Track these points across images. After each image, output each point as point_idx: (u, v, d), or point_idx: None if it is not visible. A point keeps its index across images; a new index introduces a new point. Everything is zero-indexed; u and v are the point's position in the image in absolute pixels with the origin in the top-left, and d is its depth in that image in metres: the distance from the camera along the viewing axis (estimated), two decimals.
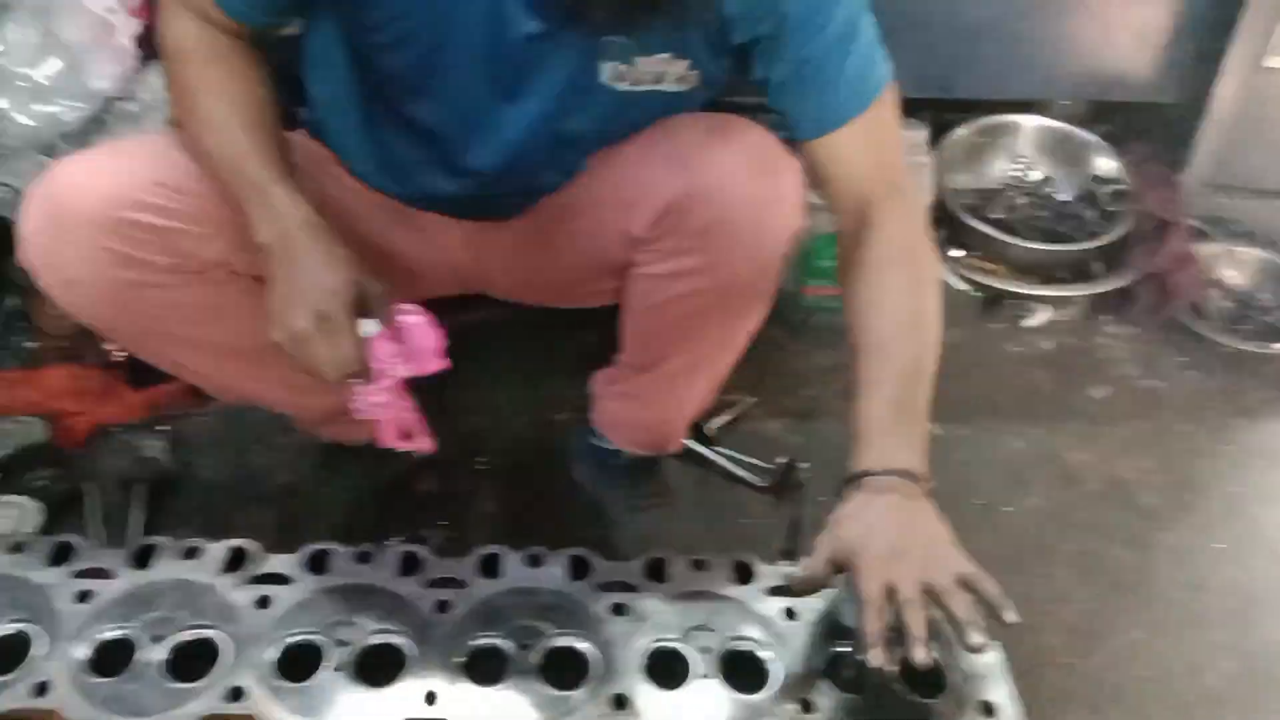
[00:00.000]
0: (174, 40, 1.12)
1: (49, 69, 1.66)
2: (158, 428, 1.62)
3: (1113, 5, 1.98)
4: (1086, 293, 1.98)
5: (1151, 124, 2.14)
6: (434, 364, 1.09)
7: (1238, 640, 1.46)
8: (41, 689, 1.02)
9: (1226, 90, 2.00)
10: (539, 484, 1.60)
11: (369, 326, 1.06)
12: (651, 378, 1.35)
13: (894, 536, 1.01)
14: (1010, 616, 1.00)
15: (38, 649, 1.06)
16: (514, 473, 1.62)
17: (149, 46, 1.82)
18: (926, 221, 1.20)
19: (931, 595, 0.97)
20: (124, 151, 1.15)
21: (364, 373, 1.06)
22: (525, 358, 1.81)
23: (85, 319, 1.16)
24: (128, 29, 1.79)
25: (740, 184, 1.12)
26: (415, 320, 1.08)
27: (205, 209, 1.11)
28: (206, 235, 1.12)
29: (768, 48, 1.09)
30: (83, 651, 1.06)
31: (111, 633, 1.08)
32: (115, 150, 1.17)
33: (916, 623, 0.95)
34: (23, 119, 1.63)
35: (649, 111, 1.17)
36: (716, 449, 1.66)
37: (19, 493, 1.48)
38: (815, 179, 1.16)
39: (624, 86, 1.11)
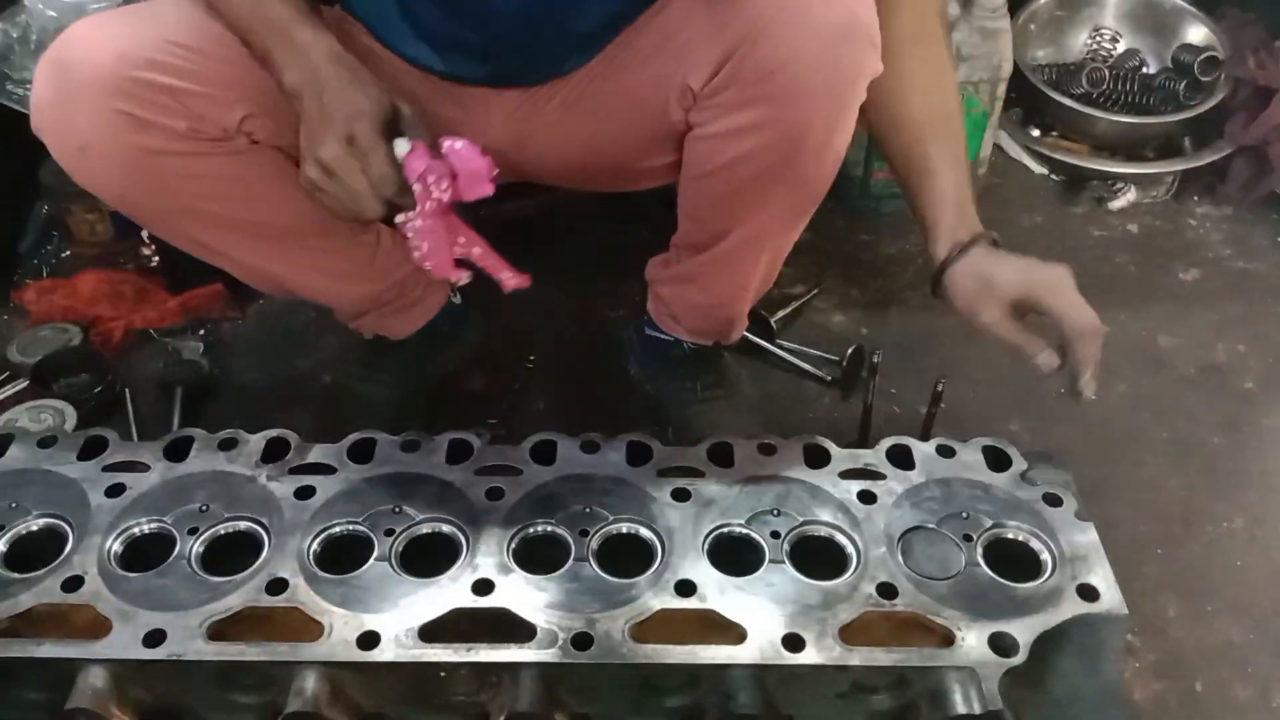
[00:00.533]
0: None
1: None
2: (196, 332, 1.57)
3: None
4: (1175, 169, 1.83)
5: None
6: (482, 188, 0.98)
7: None
8: (74, 583, 0.97)
9: None
10: (593, 379, 1.52)
11: (402, 146, 0.96)
12: (711, 256, 1.24)
13: (1048, 276, 1.08)
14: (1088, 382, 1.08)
15: (70, 543, 1.01)
16: (566, 369, 1.54)
17: None
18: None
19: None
20: (136, 12, 1.07)
21: (404, 194, 0.96)
22: (575, 253, 1.72)
23: (99, 190, 1.09)
24: None
25: (807, 19, 1.00)
26: (459, 144, 0.97)
27: (223, 71, 1.03)
28: (225, 99, 1.04)
29: None
30: (116, 545, 1.01)
31: (145, 526, 1.03)
32: (127, 12, 1.09)
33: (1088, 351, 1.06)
34: (47, 11, 1.57)
35: None
36: (779, 342, 1.57)
37: (56, 398, 1.44)
38: None
39: None
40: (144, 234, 1.71)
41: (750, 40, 1.01)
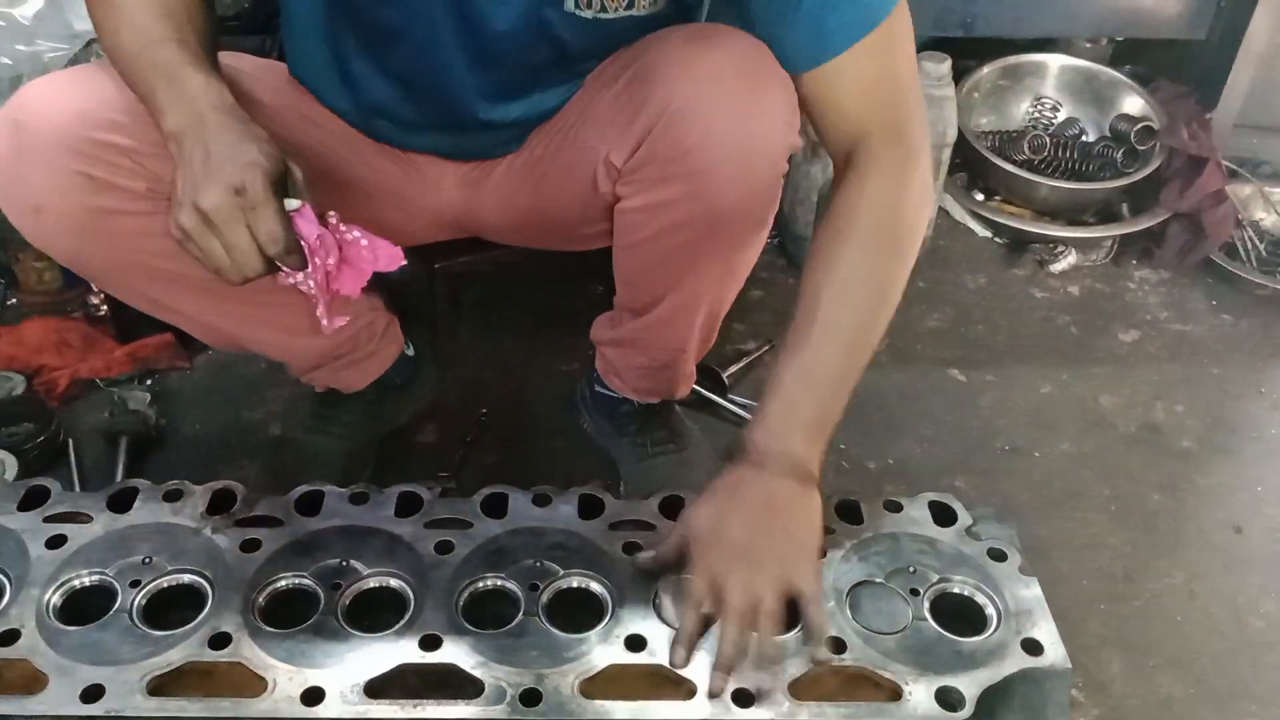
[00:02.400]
0: None
1: (30, 8, 1.60)
2: (144, 382, 1.55)
3: None
4: (1114, 234, 1.89)
5: (1180, 61, 2.05)
6: (383, 265, 0.96)
7: None
8: (10, 637, 0.95)
9: (1261, 25, 1.91)
10: (545, 433, 1.53)
11: (292, 205, 0.92)
12: (647, 321, 1.26)
13: (747, 536, 0.96)
14: (821, 654, 0.95)
15: (7, 596, 0.99)
16: (519, 423, 1.55)
17: None
18: (924, 174, 1.05)
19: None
20: (91, 72, 1.07)
21: (291, 254, 0.92)
22: (528, 306, 1.74)
23: (52, 249, 1.08)
24: None
25: (722, 96, 1.01)
26: (358, 234, 0.96)
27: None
28: None
29: None
30: (55, 598, 0.99)
31: (86, 579, 1.01)
32: (83, 72, 1.09)
33: (726, 642, 0.93)
34: (2, 59, 1.56)
35: (624, 38, 1.09)
36: (731, 396, 1.58)
37: None
38: (808, 115, 1.05)
39: (589, 13, 1.04)
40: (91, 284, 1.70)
41: (667, 117, 1.02)
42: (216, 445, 1.47)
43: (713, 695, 0.93)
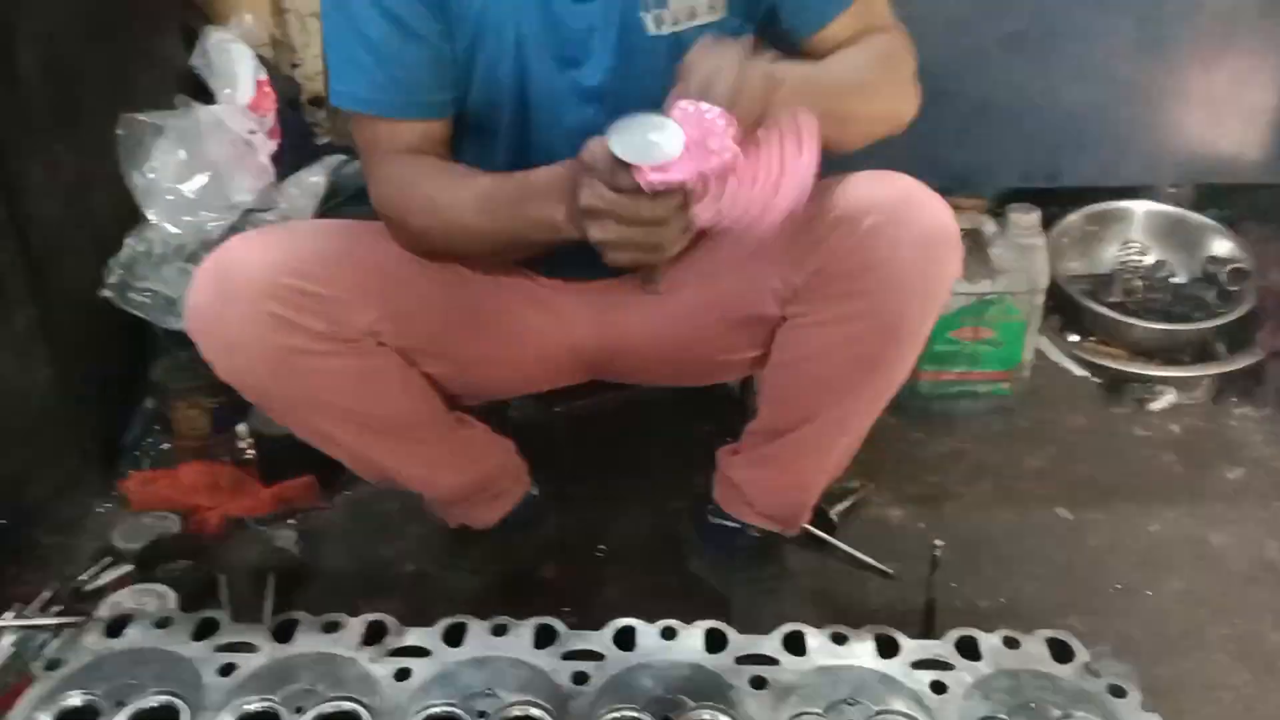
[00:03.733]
0: (386, 185, 1.20)
1: (195, 184, 1.78)
2: (287, 520, 1.66)
3: (1216, 88, 1.99)
4: (1211, 373, 1.92)
5: (1266, 204, 2.11)
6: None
7: None
8: None
9: None
10: (659, 568, 1.58)
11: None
12: (794, 439, 1.32)
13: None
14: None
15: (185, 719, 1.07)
16: (634, 558, 1.61)
17: (283, 163, 1.95)
18: (904, 47, 1.22)
19: None
20: (284, 229, 1.24)
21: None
22: (638, 447, 1.82)
23: (242, 384, 1.21)
24: (266, 148, 1.93)
25: (903, 225, 1.12)
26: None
27: (359, 280, 1.17)
28: (359, 304, 1.17)
29: None
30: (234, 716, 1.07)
31: (255, 704, 1.09)
32: (273, 230, 1.26)
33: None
34: (171, 229, 1.75)
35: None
36: (838, 539, 1.63)
37: (157, 582, 1.52)
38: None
39: (667, 29, 1.16)
40: (239, 428, 1.84)
41: (852, 240, 1.13)
42: (356, 580, 1.56)
43: None
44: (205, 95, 2.01)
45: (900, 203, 1.15)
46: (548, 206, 1.08)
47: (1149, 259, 2.10)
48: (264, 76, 2.04)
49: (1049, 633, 1.18)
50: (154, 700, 1.10)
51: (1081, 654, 1.16)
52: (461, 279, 1.29)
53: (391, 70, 1.16)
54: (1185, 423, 1.91)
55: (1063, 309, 2.04)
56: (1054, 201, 2.11)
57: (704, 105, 0.95)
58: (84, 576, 1.56)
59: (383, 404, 1.25)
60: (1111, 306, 1.98)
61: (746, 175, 0.98)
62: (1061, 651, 1.16)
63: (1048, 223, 2.06)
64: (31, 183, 1.51)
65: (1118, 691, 1.11)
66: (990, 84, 1.95)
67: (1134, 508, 1.72)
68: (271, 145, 1.94)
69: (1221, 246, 2.04)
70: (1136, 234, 2.11)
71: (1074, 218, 2.09)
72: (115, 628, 1.19)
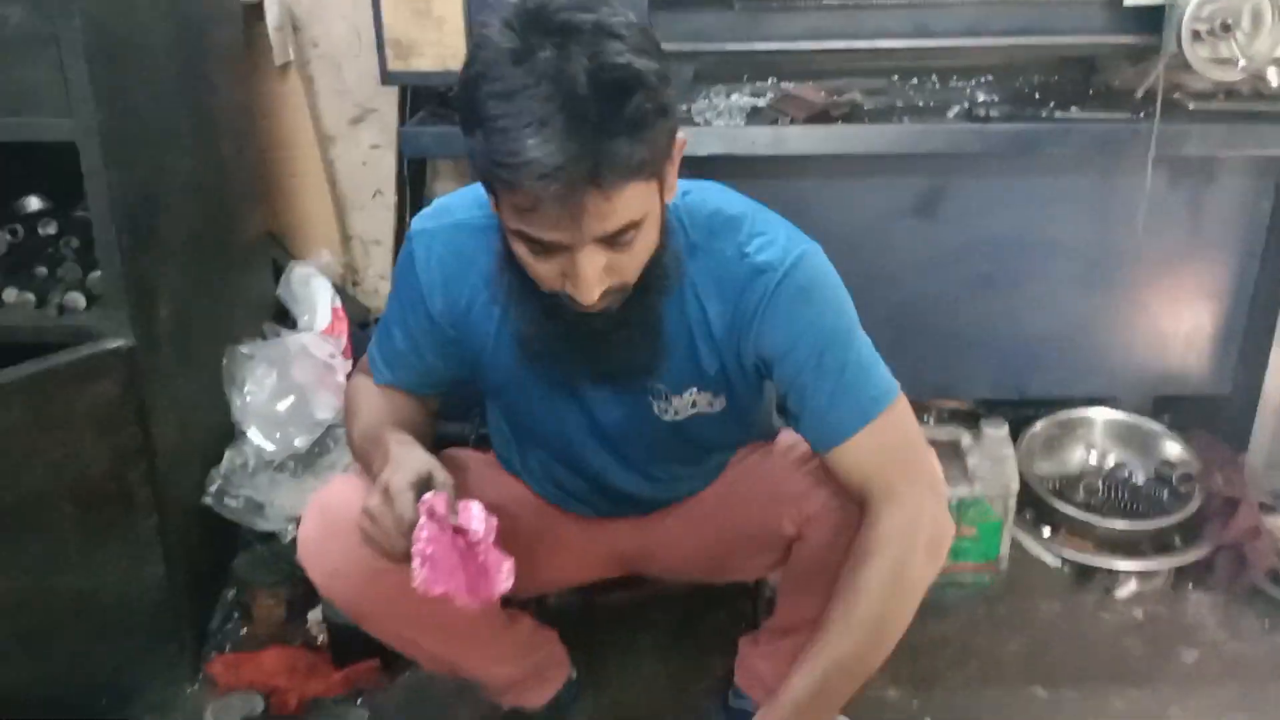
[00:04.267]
0: (351, 388, 1.53)
1: (284, 404, 2.09)
2: (357, 700, 1.90)
3: (1164, 311, 2.30)
4: (1169, 564, 2.17)
5: (1211, 413, 2.40)
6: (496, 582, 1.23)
7: None
8: None
9: (1275, 382, 2.27)
10: None
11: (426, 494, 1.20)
12: (804, 638, 1.55)
13: None
14: None
15: None
16: None
17: None
18: (934, 515, 1.30)
19: None
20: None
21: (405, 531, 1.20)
22: (662, 635, 2.06)
23: (338, 600, 1.47)
24: (343, 368, 2.24)
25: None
26: (475, 509, 1.22)
27: None
28: None
29: (774, 370, 1.32)
30: None
31: None
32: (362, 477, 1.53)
33: None
34: (265, 444, 2.04)
35: (703, 429, 1.45)
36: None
37: None
38: (839, 481, 1.33)
39: (670, 417, 1.42)
40: (311, 616, 2.09)
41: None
42: None
43: None
44: (287, 319, 2.35)
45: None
46: (379, 462, 1.30)
47: (1110, 461, 2.38)
48: (338, 304, 2.38)
49: None
50: None
51: None
52: (509, 494, 1.58)
53: (393, 359, 1.46)
54: (1147, 608, 2.15)
55: (1035, 505, 2.30)
56: (1026, 407, 2.42)
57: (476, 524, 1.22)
58: None
59: (450, 614, 1.49)
60: (1078, 505, 2.25)
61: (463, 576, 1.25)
62: None
63: (1020, 427, 2.37)
64: (158, 413, 1.80)
65: None
66: (965, 315, 2.28)
67: (1101, 686, 1.94)
68: (346, 365, 2.26)
69: (1172, 450, 2.33)
70: (1098, 439, 2.40)
71: (1041, 425, 2.38)
72: None
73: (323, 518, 1.43)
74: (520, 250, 1.17)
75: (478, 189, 1.29)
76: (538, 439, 1.53)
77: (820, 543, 1.45)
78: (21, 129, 1.60)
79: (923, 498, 1.29)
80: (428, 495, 1.21)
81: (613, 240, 1.13)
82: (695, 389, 1.40)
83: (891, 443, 1.30)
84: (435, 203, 1.43)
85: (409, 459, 1.27)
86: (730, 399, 1.43)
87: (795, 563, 1.52)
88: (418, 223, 1.40)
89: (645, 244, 1.19)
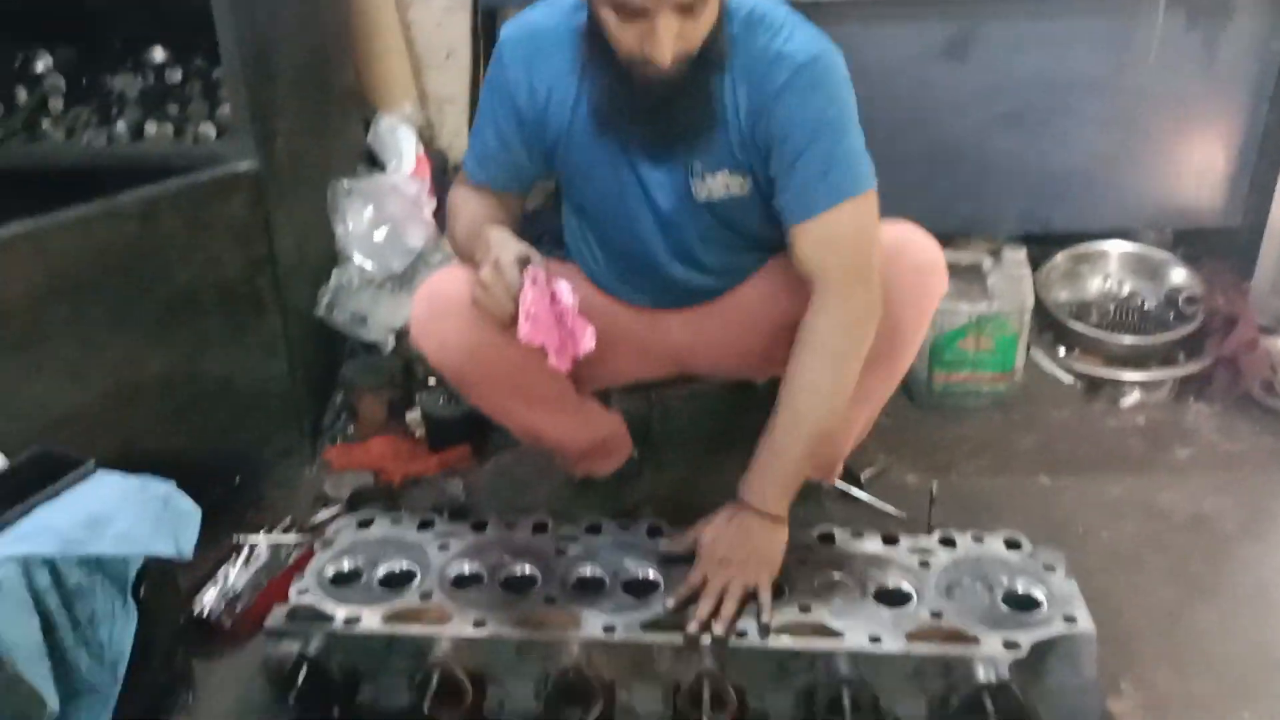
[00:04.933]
0: (450, 199, 1.77)
1: (381, 233, 2.38)
2: (453, 477, 2.22)
3: (1179, 148, 2.48)
4: (1171, 375, 2.40)
5: (1221, 244, 2.60)
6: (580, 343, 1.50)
7: None
8: (427, 596, 1.58)
9: (1279, 214, 2.46)
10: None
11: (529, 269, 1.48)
12: None
13: (730, 549, 1.59)
14: (765, 618, 1.53)
15: (419, 577, 1.63)
16: (710, 504, 2.12)
17: (441, 219, 2.54)
18: (869, 302, 1.57)
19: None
20: (466, 268, 1.79)
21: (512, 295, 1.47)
22: (713, 427, 2.35)
23: (446, 367, 1.75)
24: (428, 205, 2.53)
25: (903, 259, 1.63)
26: (564, 286, 1.49)
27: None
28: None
29: (773, 152, 1.56)
30: (451, 574, 1.63)
31: (465, 568, 1.65)
32: (462, 268, 1.80)
33: (702, 608, 1.53)
34: (366, 266, 2.34)
35: (733, 212, 1.66)
36: (866, 493, 2.14)
37: None
38: (793, 256, 1.59)
39: (705, 197, 1.66)
40: (409, 415, 2.42)
41: None
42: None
43: (688, 640, 1.49)
44: (378, 165, 2.63)
45: (897, 241, 1.65)
46: (479, 247, 1.59)
47: (1125, 289, 2.60)
48: (421, 151, 2.65)
49: (1005, 532, 1.69)
50: (398, 565, 1.66)
51: (1027, 547, 1.66)
52: (589, 301, 1.83)
53: (485, 157, 1.70)
54: (1149, 415, 2.40)
55: (1053, 329, 2.54)
56: (1049, 240, 2.63)
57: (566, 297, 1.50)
58: (307, 515, 2.14)
59: (536, 381, 1.78)
60: (1092, 325, 2.48)
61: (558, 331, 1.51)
62: (1013, 544, 1.67)
63: (1041, 260, 2.59)
64: (279, 227, 2.10)
65: (1049, 568, 1.61)
66: (991, 151, 2.47)
67: (1100, 476, 2.20)
68: (432, 203, 2.55)
69: (1179, 277, 2.54)
70: (1113, 268, 2.62)
71: (1061, 257, 2.60)
72: (365, 523, 1.76)
73: (431, 302, 1.72)
74: (608, 18, 1.42)
75: (551, 3, 1.59)
76: (605, 226, 1.78)
77: None
78: None
79: (860, 296, 1.57)
80: (530, 265, 1.49)
81: (686, 8, 1.39)
82: (726, 170, 1.63)
83: (848, 234, 1.56)
84: (516, 16, 1.67)
85: (511, 241, 1.54)
86: (754, 184, 1.66)
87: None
88: (504, 32, 1.65)
89: (709, 16, 1.44)
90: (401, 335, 2.38)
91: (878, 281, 1.58)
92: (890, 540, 1.69)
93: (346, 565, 1.66)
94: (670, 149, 1.61)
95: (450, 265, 1.81)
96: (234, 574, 1.88)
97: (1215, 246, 2.65)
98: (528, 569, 1.64)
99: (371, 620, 1.54)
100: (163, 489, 1.51)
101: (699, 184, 1.64)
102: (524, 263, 1.50)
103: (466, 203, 1.74)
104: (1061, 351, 2.52)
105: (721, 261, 1.78)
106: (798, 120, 1.52)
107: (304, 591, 1.59)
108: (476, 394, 1.83)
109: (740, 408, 2.32)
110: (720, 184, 1.64)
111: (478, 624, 1.52)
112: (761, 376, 2.06)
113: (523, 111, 1.64)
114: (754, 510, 1.61)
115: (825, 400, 1.60)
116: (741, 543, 1.59)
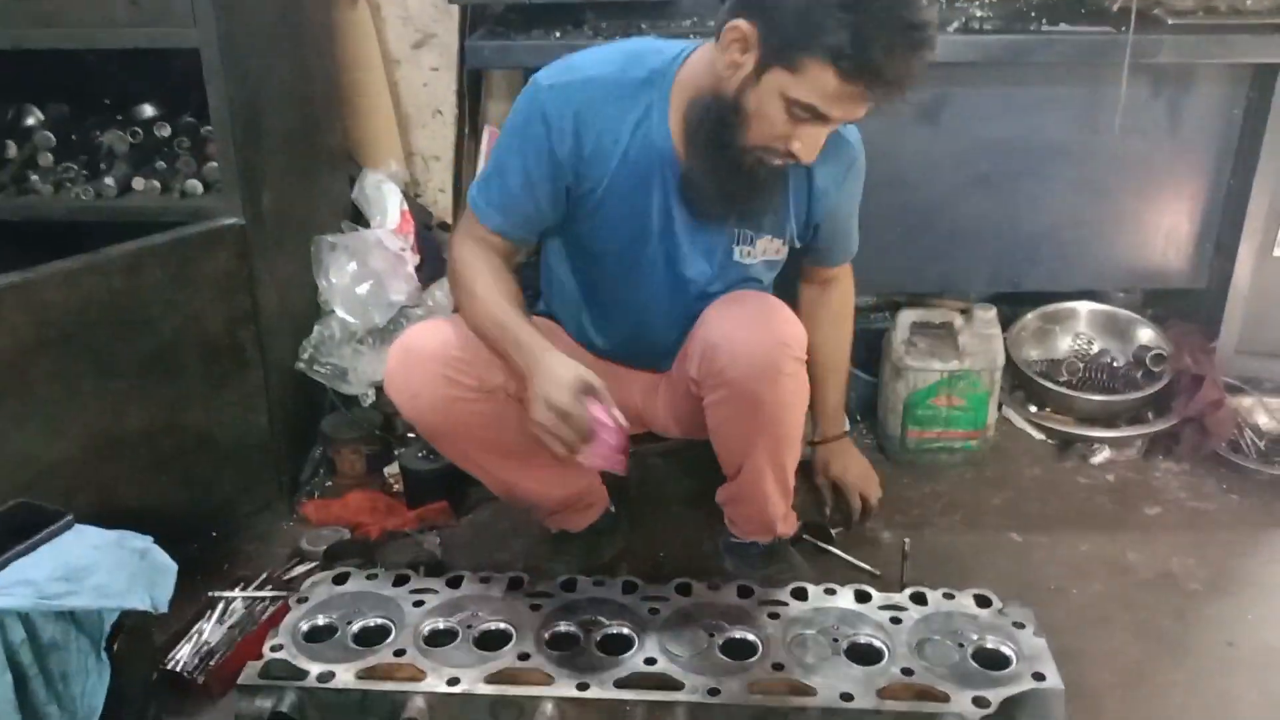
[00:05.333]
0: (458, 257, 1.74)
1: (364, 287, 2.41)
2: (430, 533, 2.23)
3: (1146, 211, 2.54)
4: (1140, 432, 2.45)
5: (1186, 304, 2.66)
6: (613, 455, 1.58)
7: (1265, 683, 1.84)
8: (400, 653, 1.59)
9: (1242, 274, 2.52)
10: (704, 570, 2.11)
11: (593, 402, 1.55)
12: (740, 481, 1.89)
13: (858, 466, 2.21)
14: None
15: (394, 632, 1.64)
16: (684, 561, 2.15)
17: (423, 274, 2.58)
18: (849, 284, 2.10)
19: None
20: (445, 322, 1.81)
21: (589, 438, 1.55)
22: (687, 482, 2.37)
23: (419, 421, 1.78)
24: (411, 261, 2.56)
25: (744, 330, 1.68)
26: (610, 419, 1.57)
27: (492, 355, 1.72)
28: (494, 367, 1.72)
29: (825, 222, 1.85)
30: (425, 631, 1.63)
31: (440, 624, 1.65)
32: (439, 321, 1.83)
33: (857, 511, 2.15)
34: (348, 319, 2.37)
35: (761, 270, 1.84)
36: (837, 549, 2.16)
37: None
38: (809, 275, 2.04)
39: (746, 259, 1.77)
40: (387, 469, 2.43)
41: (708, 348, 1.71)
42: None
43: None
44: (362, 221, 2.67)
45: (738, 318, 1.70)
46: (519, 360, 1.62)
47: (1094, 347, 2.65)
48: (405, 207, 2.69)
49: (976, 590, 1.72)
50: (372, 621, 1.66)
51: (996, 603, 1.69)
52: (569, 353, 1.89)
53: (505, 203, 1.70)
54: (1119, 473, 2.43)
55: (1024, 387, 2.58)
56: (1020, 300, 2.69)
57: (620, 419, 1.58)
58: (283, 569, 2.14)
59: (509, 436, 1.80)
60: (1061, 384, 2.53)
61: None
62: (983, 602, 1.69)
63: (1011, 319, 2.64)
64: (262, 281, 2.13)
65: (1019, 624, 1.63)
66: (963, 213, 2.53)
67: (1070, 533, 2.23)
68: (415, 259, 2.58)
69: (1147, 336, 2.60)
70: (1083, 327, 2.67)
71: (1032, 315, 2.65)
72: (340, 579, 1.76)
73: (405, 355, 1.75)
74: (774, 112, 1.51)
75: (597, 52, 1.70)
76: (608, 278, 1.82)
77: (708, 408, 1.79)
78: (157, 37, 1.91)
79: (847, 285, 2.11)
80: (597, 411, 1.55)
81: None
82: (769, 236, 1.79)
83: (842, 265, 2.06)
84: (556, 64, 1.68)
85: (560, 367, 1.57)
86: (789, 251, 1.83)
87: (708, 424, 1.84)
88: (546, 78, 1.66)
89: None
90: (381, 389, 2.40)
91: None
92: (863, 597, 1.70)
93: (321, 620, 1.67)
94: (736, 220, 1.73)
95: (428, 320, 1.84)
96: (209, 629, 1.88)
97: (1183, 307, 2.70)
98: (502, 625, 1.65)
99: (345, 677, 1.54)
100: (140, 543, 1.52)
101: (744, 249, 1.78)
102: (584, 391, 1.55)
103: (476, 263, 1.71)
104: (1033, 409, 2.57)
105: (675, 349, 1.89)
106: (850, 195, 1.87)
107: (278, 647, 1.60)
108: (449, 447, 1.85)
109: (716, 464, 2.34)
110: (761, 249, 1.80)
111: (451, 681, 1.52)
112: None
113: (560, 158, 1.65)
114: (843, 440, 2.24)
115: (844, 352, 2.15)
116: (859, 461, 2.26)
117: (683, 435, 2.07)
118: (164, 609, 1.51)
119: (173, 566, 1.53)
